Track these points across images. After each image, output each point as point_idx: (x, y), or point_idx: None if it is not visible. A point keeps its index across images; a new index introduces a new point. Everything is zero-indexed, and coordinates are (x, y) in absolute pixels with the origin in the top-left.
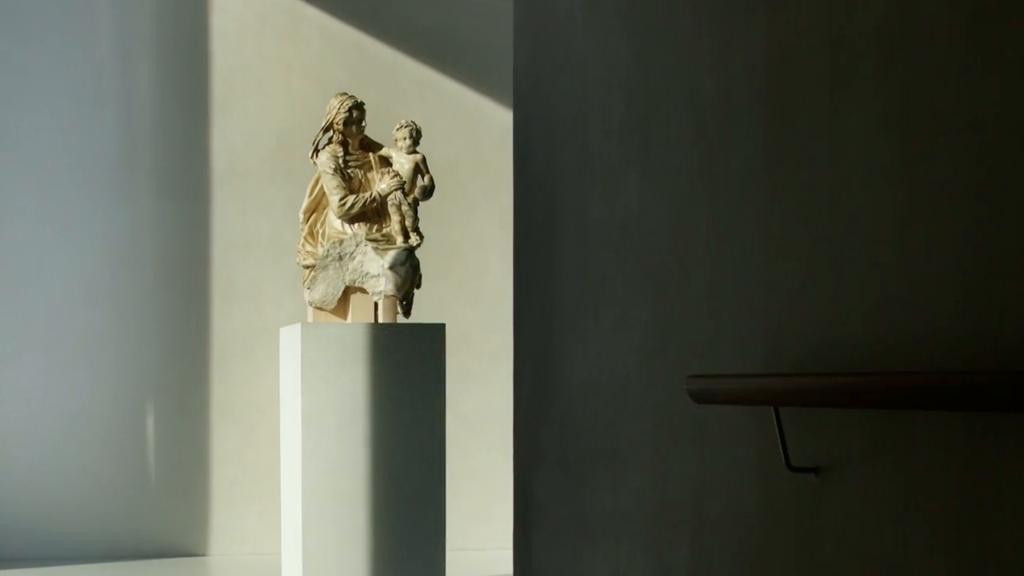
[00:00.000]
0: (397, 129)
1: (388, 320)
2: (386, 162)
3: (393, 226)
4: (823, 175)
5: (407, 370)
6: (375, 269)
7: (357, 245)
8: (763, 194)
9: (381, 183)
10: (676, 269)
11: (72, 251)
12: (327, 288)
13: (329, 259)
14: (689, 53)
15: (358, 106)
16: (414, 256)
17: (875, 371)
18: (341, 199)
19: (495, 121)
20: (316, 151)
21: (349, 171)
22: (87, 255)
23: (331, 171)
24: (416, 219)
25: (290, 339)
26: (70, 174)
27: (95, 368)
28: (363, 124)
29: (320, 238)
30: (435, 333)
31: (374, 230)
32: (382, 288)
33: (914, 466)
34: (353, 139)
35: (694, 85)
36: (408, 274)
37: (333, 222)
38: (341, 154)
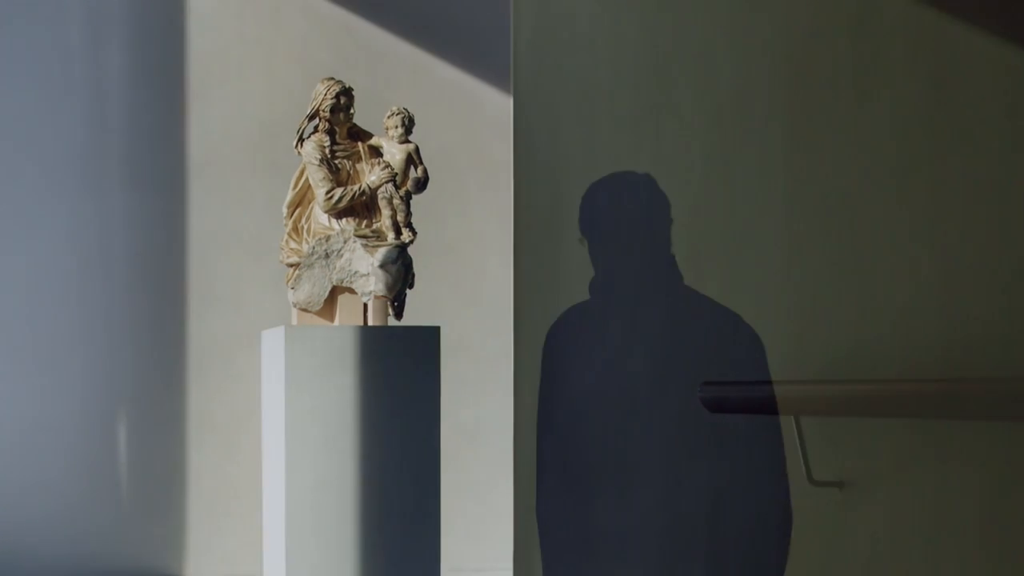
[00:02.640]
0: (388, 117)
1: (378, 322)
2: (376, 152)
3: (384, 221)
4: (848, 166)
5: (399, 377)
6: (364, 268)
7: (345, 242)
8: (783, 187)
9: (371, 175)
10: (689, 268)
11: (36, 248)
12: (312, 288)
13: (315, 257)
14: (703, 34)
15: (346, 92)
16: (406, 254)
17: (905, 378)
18: (328, 192)
19: (494, 108)
20: (301, 140)
21: (336, 162)
22: (52, 252)
23: (317, 162)
24: (409, 214)
25: (273, 343)
26: (34, 165)
27: (61, 375)
28: (351, 111)
29: (305, 234)
30: (429, 337)
31: (363, 225)
32: (372, 288)
33: (947, 481)
34: (341, 127)
35: (709, 69)
36: (400, 273)
37: (319, 217)
38: (328, 144)
